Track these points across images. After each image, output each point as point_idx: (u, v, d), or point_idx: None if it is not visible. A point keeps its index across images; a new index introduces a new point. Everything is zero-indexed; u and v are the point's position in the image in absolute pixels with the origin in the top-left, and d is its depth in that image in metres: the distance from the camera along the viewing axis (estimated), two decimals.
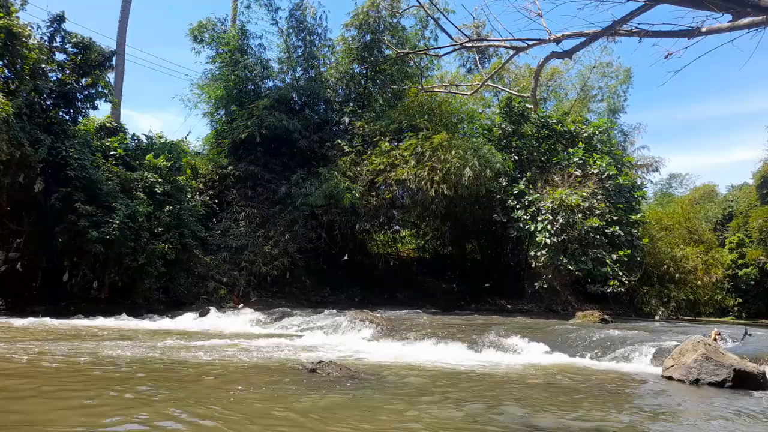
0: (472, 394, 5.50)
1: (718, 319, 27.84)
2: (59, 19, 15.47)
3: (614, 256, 17.11)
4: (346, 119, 22.01)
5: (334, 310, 14.39)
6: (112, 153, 16.58)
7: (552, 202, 17.42)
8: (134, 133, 18.64)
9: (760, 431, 4.59)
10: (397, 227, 24.43)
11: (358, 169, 19.61)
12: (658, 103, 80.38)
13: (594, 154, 19.75)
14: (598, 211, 17.42)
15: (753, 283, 32.14)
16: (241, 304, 16.58)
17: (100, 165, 15.42)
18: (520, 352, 8.93)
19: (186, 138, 21.35)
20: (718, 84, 79.31)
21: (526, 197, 18.51)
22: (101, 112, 35.62)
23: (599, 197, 17.85)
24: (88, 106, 16.15)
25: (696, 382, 6.59)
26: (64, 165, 14.21)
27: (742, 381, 6.43)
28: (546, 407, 5.05)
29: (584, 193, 17.51)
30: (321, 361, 6.53)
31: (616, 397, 5.73)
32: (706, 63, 66.32)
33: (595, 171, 18.71)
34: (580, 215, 17.17)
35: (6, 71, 13.96)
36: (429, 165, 18.05)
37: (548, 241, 17.33)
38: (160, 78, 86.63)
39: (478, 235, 24.48)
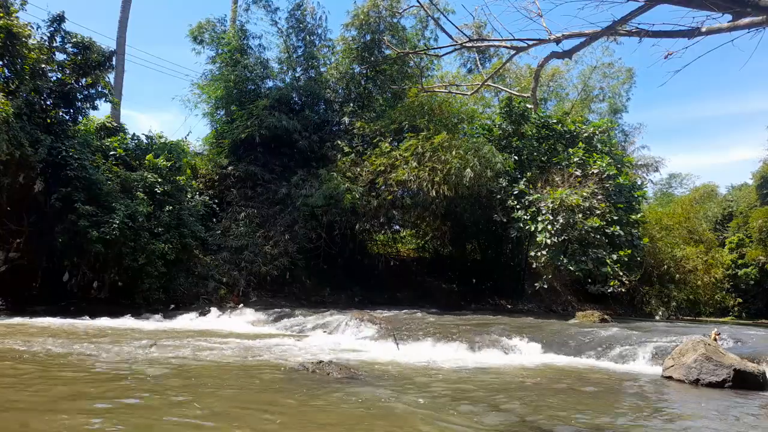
0: (471, 394, 5.50)
1: (718, 319, 27.84)
2: (59, 19, 15.45)
3: (614, 256, 17.09)
4: (346, 119, 21.99)
5: (334, 310, 14.40)
6: (112, 153, 16.57)
7: (552, 202, 17.39)
8: (134, 133, 18.60)
9: (759, 431, 4.59)
10: (397, 227, 24.39)
11: (358, 169, 19.59)
12: (658, 103, 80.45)
13: (594, 154, 19.72)
14: (598, 211, 17.39)
15: (753, 283, 32.17)
16: (241, 304, 16.57)
17: (100, 165, 15.41)
18: (520, 352, 8.93)
19: (186, 138, 21.29)
20: (718, 84, 79.37)
21: (527, 197, 18.49)
22: (101, 112, 35.66)
23: (599, 197, 17.82)
24: (88, 106, 16.12)
25: (696, 382, 6.59)
26: (64, 165, 14.20)
27: (742, 381, 6.43)
28: (545, 407, 5.05)
29: (584, 193, 17.49)
30: (321, 361, 6.53)
31: (615, 397, 5.73)
32: (706, 63, 66.47)
33: (595, 171, 18.69)
34: (580, 215, 17.14)
35: (6, 71, 13.94)
36: (429, 165, 18.04)
37: (548, 241, 17.31)
38: (160, 78, 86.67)
39: (478, 235, 24.47)
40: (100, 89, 16.28)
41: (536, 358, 8.51)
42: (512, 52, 4.72)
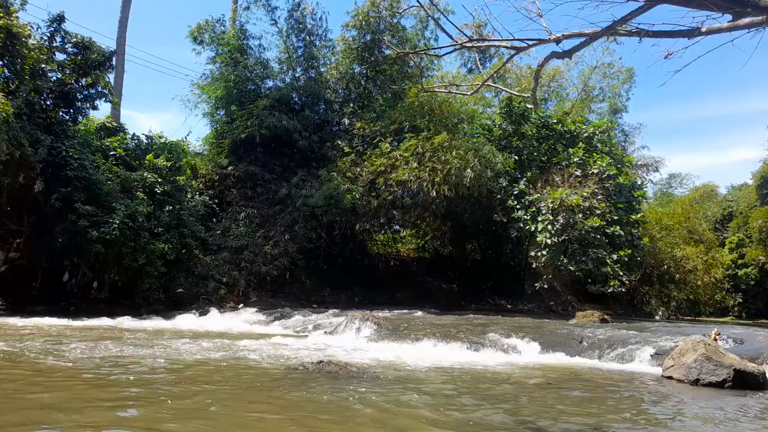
0: (471, 394, 5.50)
1: (718, 319, 27.84)
2: (59, 19, 15.44)
3: (614, 256, 17.08)
4: (346, 120, 22.00)
5: (334, 310, 14.40)
6: (112, 153, 16.56)
7: (552, 202, 17.39)
8: (134, 133, 18.60)
9: (759, 431, 4.59)
10: (397, 227, 24.41)
11: (358, 169, 19.59)
12: (658, 103, 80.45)
13: (594, 154, 19.72)
14: (598, 211, 17.39)
15: (753, 283, 32.18)
16: (241, 304, 16.58)
17: (100, 165, 15.41)
18: (520, 352, 8.93)
19: (186, 138, 21.30)
20: (718, 84, 79.34)
21: (527, 197, 18.49)
22: (101, 112, 35.62)
23: (599, 197, 17.82)
24: (88, 106, 16.11)
25: (696, 382, 6.59)
26: (64, 165, 14.19)
27: (742, 381, 6.43)
28: (545, 407, 5.05)
29: (584, 193, 17.48)
30: (321, 361, 6.54)
31: (615, 397, 5.73)
32: (706, 63, 66.41)
33: (596, 171, 18.69)
34: (580, 215, 17.14)
35: (6, 71, 13.94)
36: (430, 166, 18.04)
37: (548, 241, 17.30)
38: (160, 78, 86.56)
39: (478, 235, 24.47)
40: (100, 89, 16.26)
41: (536, 358, 8.51)
42: (512, 52, 4.73)
